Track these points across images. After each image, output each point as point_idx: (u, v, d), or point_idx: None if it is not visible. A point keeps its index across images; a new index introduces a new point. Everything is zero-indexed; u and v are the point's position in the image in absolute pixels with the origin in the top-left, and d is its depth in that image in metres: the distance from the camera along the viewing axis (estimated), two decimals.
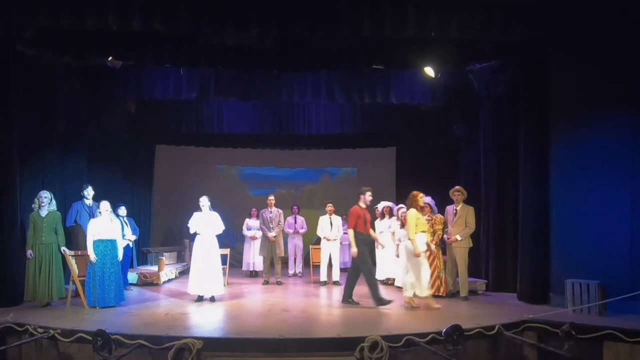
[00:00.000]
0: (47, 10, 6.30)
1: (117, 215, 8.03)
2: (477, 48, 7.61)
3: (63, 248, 6.99)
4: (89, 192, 7.89)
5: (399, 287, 8.31)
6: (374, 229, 7.96)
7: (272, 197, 9.68)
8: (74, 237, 7.75)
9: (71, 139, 8.45)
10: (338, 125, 10.91)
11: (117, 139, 10.02)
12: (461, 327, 4.96)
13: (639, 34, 6.31)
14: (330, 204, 9.54)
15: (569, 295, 6.44)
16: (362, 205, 7.11)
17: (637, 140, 6.29)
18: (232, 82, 8.80)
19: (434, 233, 7.54)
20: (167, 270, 9.68)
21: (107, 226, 6.92)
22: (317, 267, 9.42)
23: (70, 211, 7.82)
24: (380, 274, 9.33)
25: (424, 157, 11.23)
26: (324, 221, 9.37)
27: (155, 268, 9.66)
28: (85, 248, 6.93)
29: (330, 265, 9.29)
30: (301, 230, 10.54)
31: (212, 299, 7.27)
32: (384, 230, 9.16)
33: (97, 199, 7.57)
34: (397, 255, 8.40)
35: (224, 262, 8.32)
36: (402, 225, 8.34)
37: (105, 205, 6.96)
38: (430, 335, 5.12)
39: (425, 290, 6.73)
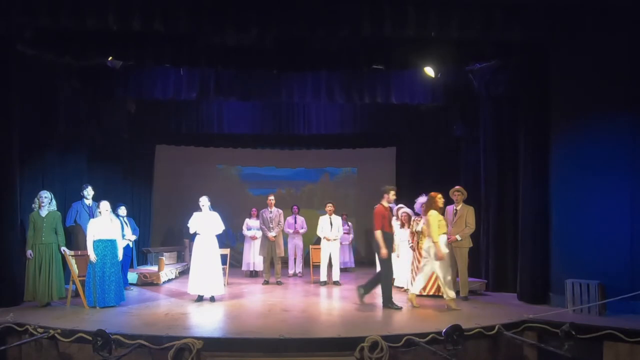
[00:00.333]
0: (47, 10, 6.29)
1: (117, 215, 8.03)
2: (477, 48, 7.61)
3: (63, 248, 6.99)
4: (89, 192, 7.89)
5: (399, 287, 8.32)
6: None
7: (272, 197, 9.67)
8: (74, 237, 7.75)
9: (71, 139, 8.45)
10: (338, 125, 10.91)
11: (117, 139, 10.01)
12: (461, 327, 4.96)
13: (639, 34, 6.31)
14: (330, 204, 9.54)
15: (569, 295, 6.44)
16: (385, 204, 7.01)
17: (637, 140, 6.29)
18: (232, 82, 8.80)
19: None
20: (167, 270, 9.68)
21: (107, 226, 6.92)
22: (317, 267, 9.42)
23: (70, 211, 7.82)
24: None
25: (424, 157, 11.24)
26: (324, 221, 9.37)
27: (155, 268, 9.66)
28: (85, 248, 6.93)
29: (330, 265, 9.29)
30: (301, 230, 10.54)
31: (212, 299, 7.27)
32: None
33: (97, 199, 7.57)
34: (398, 256, 8.41)
35: (224, 262, 8.32)
36: (402, 225, 8.36)
37: (105, 205, 6.96)
38: (430, 335, 5.12)
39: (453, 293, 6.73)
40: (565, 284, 6.49)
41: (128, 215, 8.81)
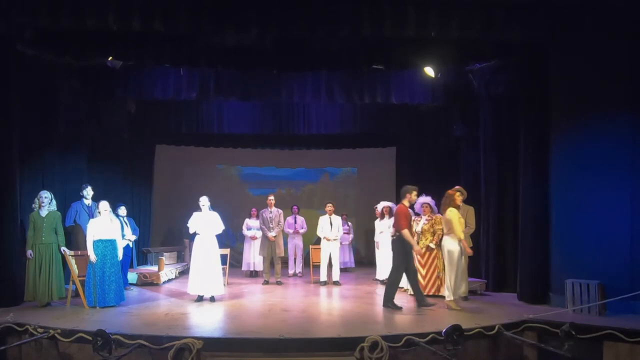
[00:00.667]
0: (47, 10, 6.29)
1: (117, 215, 8.03)
2: (477, 48, 7.61)
3: (63, 248, 6.99)
4: (88, 192, 7.88)
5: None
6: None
7: (272, 197, 9.67)
8: (74, 237, 7.75)
9: (71, 139, 8.45)
10: (338, 125, 10.91)
11: (117, 139, 10.01)
12: (461, 327, 4.96)
13: (639, 34, 6.31)
14: (330, 204, 9.54)
15: (569, 295, 6.44)
16: (406, 204, 6.98)
17: (637, 140, 6.29)
18: (232, 82, 8.80)
19: (434, 233, 7.55)
20: (167, 270, 9.68)
21: (107, 226, 6.92)
22: (317, 267, 9.42)
23: (70, 211, 7.81)
24: (380, 274, 9.35)
25: (424, 157, 11.23)
26: (324, 221, 9.37)
27: (155, 268, 9.66)
28: (84, 248, 6.93)
29: (330, 265, 9.29)
30: (301, 230, 10.54)
31: (212, 299, 7.27)
32: (384, 230, 9.16)
33: (97, 199, 7.56)
34: None
35: (224, 262, 8.32)
36: None
37: (104, 205, 6.96)
38: (430, 335, 5.12)
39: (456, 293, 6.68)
40: (565, 284, 6.49)
41: (128, 215, 8.81)
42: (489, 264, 8.20)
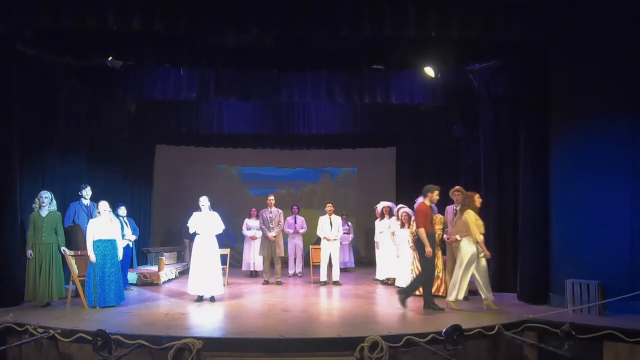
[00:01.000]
0: (47, 10, 6.29)
1: (117, 215, 8.03)
2: (477, 48, 7.60)
3: (63, 248, 6.99)
4: (87, 192, 7.86)
5: (399, 287, 8.32)
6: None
7: (272, 197, 9.67)
8: (73, 237, 7.74)
9: (71, 139, 8.44)
10: (338, 125, 10.91)
11: (117, 139, 10.01)
12: (461, 327, 4.96)
13: (639, 34, 6.31)
14: (330, 204, 9.54)
15: (569, 295, 6.44)
16: (427, 203, 6.89)
17: (637, 140, 6.28)
18: (232, 82, 8.80)
19: None
20: (167, 270, 9.68)
21: (107, 226, 6.92)
22: (317, 267, 9.42)
23: (68, 211, 7.78)
24: (380, 274, 9.35)
25: (424, 157, 11.23)
26: (324, 221, 9.37)
27: (155, 268, 9.67)
28: (84, 248, 6.93)
29: (330, 265, 9.28)
30: (301, 230, 10.54)
31: (212, 299, 7.26)
32: (384, 230, 9.17)
33: (97, 199, 7.55)
34: (398, 256, 8.42)
35: (224, 262, 8.32)
36: (403, 225, 8.36)
37: (104, 205, 6.96)
38: (430, 335, 5.12)
39: (460, 294, 6.64)
40: (565, 284, 6.49)
41: (128, 215, 8.81)
42: (489, 264, 8.17)
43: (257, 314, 6.53)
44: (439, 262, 7.51)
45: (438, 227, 7.54)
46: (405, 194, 10.66)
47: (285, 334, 5.17)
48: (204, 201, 7.40)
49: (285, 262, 10.54)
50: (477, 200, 6.77)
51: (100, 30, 6.63)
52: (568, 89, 6.83)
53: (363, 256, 12.71)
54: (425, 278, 6.82)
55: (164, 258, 9.79)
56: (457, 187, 7.73)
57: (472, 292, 7.67)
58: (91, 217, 7.32)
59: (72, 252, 7.08)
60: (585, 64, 6.65)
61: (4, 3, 6.24)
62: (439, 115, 10.24)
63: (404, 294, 6.74)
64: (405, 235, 8.16)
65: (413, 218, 8.02)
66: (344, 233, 10.16)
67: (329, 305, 7.33)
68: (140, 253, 10.48)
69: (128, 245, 8.44)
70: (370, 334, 5.06)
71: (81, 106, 8.70)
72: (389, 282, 9.02)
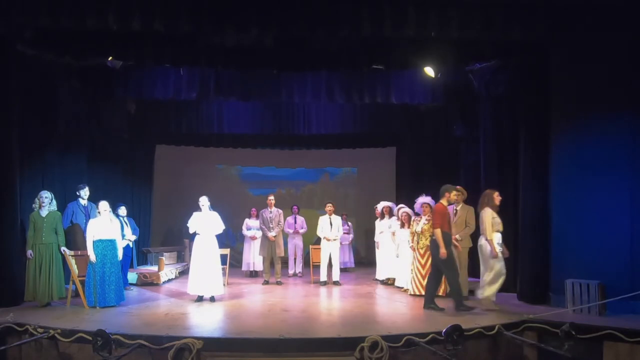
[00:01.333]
0: (47, 10, 6.29)
1: (117, 215, 8.03)
2: (477, 48, 7.60)
3: (63, 248, 6.99)
4: (85, 192, 7.82)
5: (399, 287, 8.32)
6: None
7: (272, 197, 9.67)
8: (72, 237, 7.73)
9: (71, 139, 8.44)
10: (338, 125, 10.92)
11: (117, 139, 10.01)
12: (461, 327, 4.96)
13: (639, 34, 6.31)
14: (330, 204, 9.54)
15: (569, 295, 6.44)
16: (445, 203, 6.87)
17: (637, 140, 6.29)
18: (232, 82, 8.81)
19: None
20: (167, 270, 9.68)
21: (107, 226, 6.92)
22: (317, 267, 9.42)
23: (66, 212, 7.74)
24: (380, 274, 9.35)
25: (424, 157, 11.23)
26: (324, 221, 9.37)
27: (155, 268, 9.66)
28: (84, 248, 6.93)
29: (330, 265, 9.28)
30: (301, 230, 10.54)
31: (212, 299, 7.26)
32: (384, 230, 9.17)
33: (97, 199, 7.53)
34: (397, 256, 8.42)
35: (224, 262, 8.32)
36: (402, 225, 8.36)
37: (104, 205, 6.96)
38: (430, 335, 5.12)
39: (491, 291, 6.56)
40: (565, 284, 6.49)
41: (128, 215, 8.81)
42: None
43: (257, 314, 6.53)
44: None
45: None
46: (405, 194, 10.66)
47: (285, 334, 5.17)
48: (204, 201, 7.40)
49: (285, 262, 10.53)
50: (497, 198, 6.71)
51: (100, 30, 6.63)
52: (568, 89, 6.83)
53: (363, 256, 12.72)
54: (452, 275, 6.68)
55: (164, 258, 9.79)
56: (457, 187, 7.74)
57: (472, 292, 7.68)
58: (89, 217, 7.32)
59: (72, 252, 7.08)
60: (586, 64, 6.65)
61: (4, 3, 6.25)
62: (439, 115, 10.23)
63: (459, 304, 6.50)
64: (405, 235, 8.16)
65: (413, 218, 8.03)
66: (344, 233, 10.16)
67: (329, 305, 7.33)
68: (140, 253, 10.48)
69: (128, 245, 8.44)
70: (370, 334, 5.05)
71: (81, 106, 8.70)
72: (389, 282, 9.02)
